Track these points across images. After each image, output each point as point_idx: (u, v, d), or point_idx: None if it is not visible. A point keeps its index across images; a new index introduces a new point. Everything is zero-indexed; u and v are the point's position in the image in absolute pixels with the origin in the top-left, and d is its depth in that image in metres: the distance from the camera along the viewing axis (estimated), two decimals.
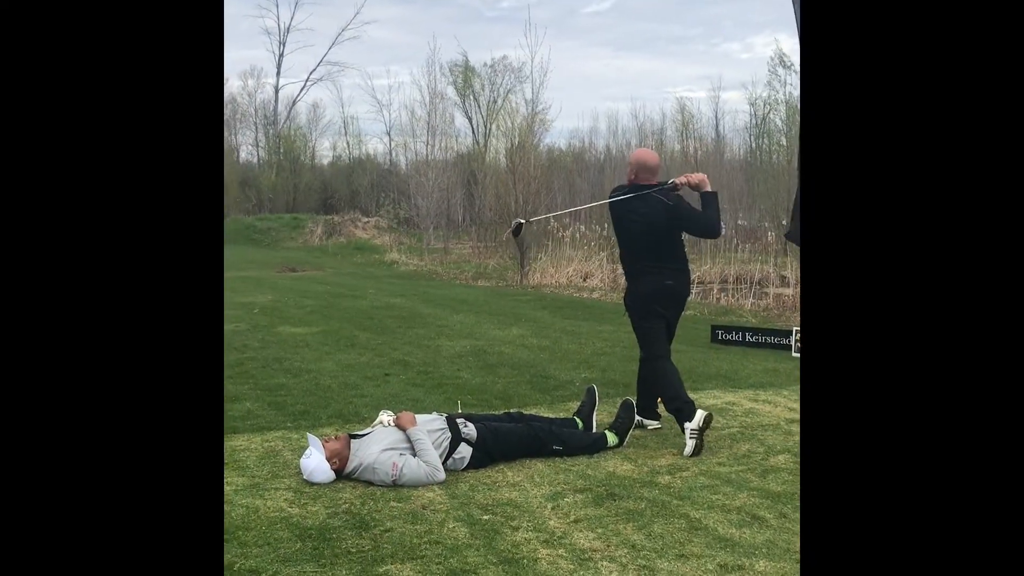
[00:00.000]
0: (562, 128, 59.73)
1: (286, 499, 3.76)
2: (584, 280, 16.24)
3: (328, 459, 3.98)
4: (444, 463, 4.12)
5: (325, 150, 41.87)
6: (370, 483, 3.95)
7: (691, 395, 5.98)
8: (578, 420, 4.77)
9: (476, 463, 4.24)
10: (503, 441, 4.35)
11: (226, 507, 3.63)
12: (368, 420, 5.17)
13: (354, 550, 3.23)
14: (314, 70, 42.12)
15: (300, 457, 4.10)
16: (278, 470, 4.16)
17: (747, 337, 8.88)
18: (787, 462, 4.52)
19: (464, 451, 4.22)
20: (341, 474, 4.00)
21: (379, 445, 4.03)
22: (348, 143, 41.31)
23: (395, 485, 3.93)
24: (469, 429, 4.28)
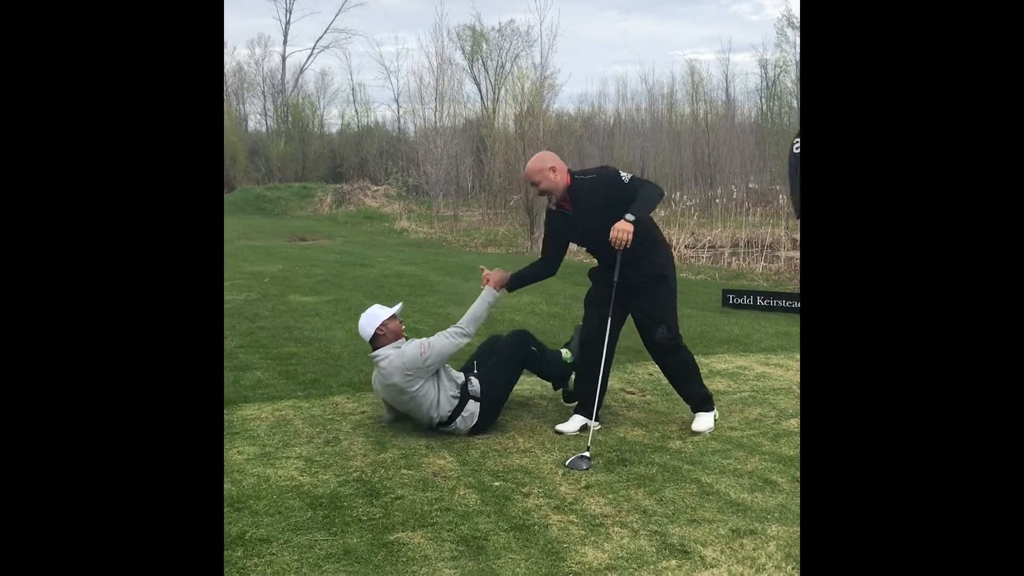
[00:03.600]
0: (571, 93, 59.03)
1: (297, 468, 3.77)
2: None
3: (383, 325, 4.24)
4: (453, 422, 4.19)
5: (333, 118, 41.69)
6: (398, 385, 4.14)
7: (703, 360, 5.91)
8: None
9: (484, 420, 4.29)
10: (496, 377, 4.43)
11: (237, 476, 3.64)
12: None
13: (365, 518, 3.23)
14: (321, 37, 42.10)
15: (309, 425, 4.10)
16: (289, 439, 4.17)
17: (758, 301, 8.82)
18: (798, 426, 4.50)
19: (472, 407, 4.26)
20: (376, 346, 4.26)
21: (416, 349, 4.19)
22: (356, 111, 41.12)
23: (426, 366, 4.12)
24: (474, 385, 4.32)
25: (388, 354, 4.19)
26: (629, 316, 4.44)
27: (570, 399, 4.64)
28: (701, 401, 4.44)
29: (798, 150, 7.58)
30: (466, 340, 4.33)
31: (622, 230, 3.98)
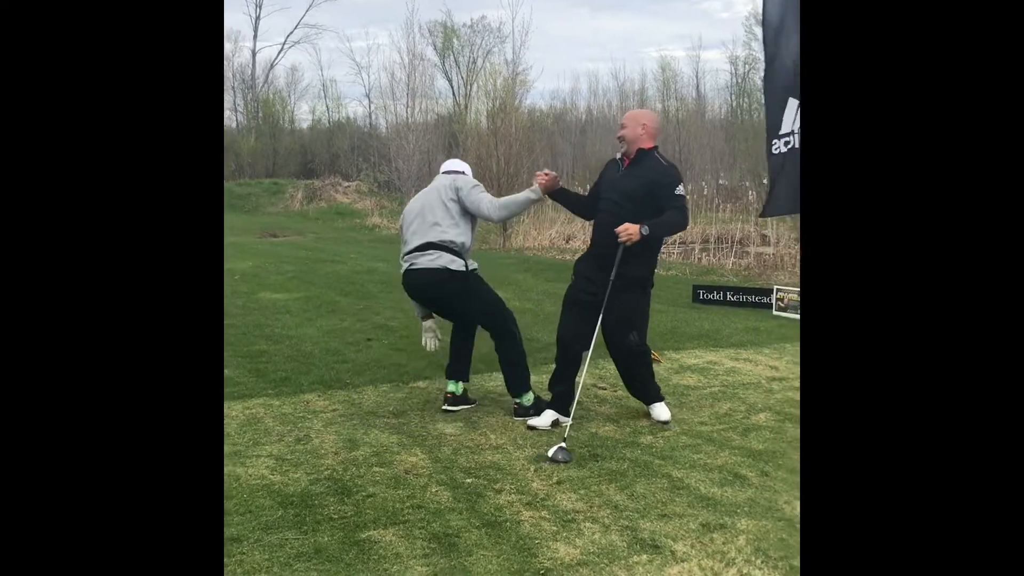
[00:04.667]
0: (543, 89, 59.28)
1: (267, 466, 3.74)
2: (567, 242, 16.21)
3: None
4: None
5: (304, 114, 41.38)
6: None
7: (673, 355, 5.99)
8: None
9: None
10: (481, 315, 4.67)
11: None
12: (351, 386, 5.16)
13: (336, 516, 3.22)
14: (291, 32, 41.70)
15: (279, 423, 4.07)
16: (259, 437, 4.14)
17: (728, 296, 8.91)
18: (768, 420, 4.55)
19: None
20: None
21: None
22: (327, 106, 40.83)
23: (470, 190, 4.52)
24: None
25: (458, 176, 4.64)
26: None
27: (520, 414, 4.57)
28: (655, 393, 4.56)
29: (777, 151, 7.61)
30: (492, 212, 4.47)
31: (631, 232, 4.14)
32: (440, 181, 4.62)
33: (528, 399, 4.55)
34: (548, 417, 4.41)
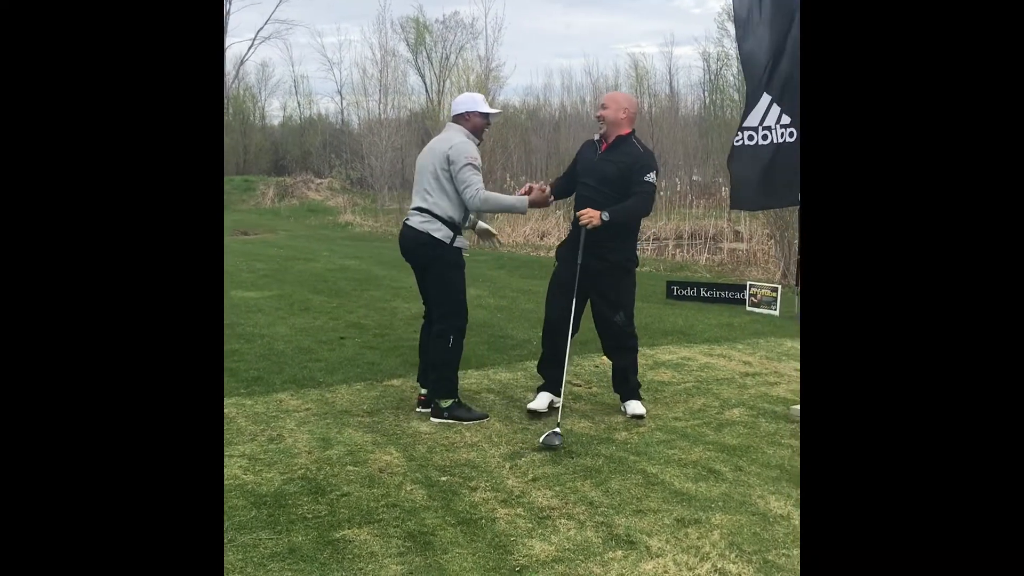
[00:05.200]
0: (516, 85, 59.31)
1: (240, 466, 3.71)
2: (541, 239, 16.21)
3: (475, 113, 4.53)
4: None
5: (275, 110, 41.22)
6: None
7: (647, 351, 6.02)
8: None
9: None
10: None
11: None
12: (324, 385, 5.13)
13: (310, 516, 3.20)
14: (262, 28, 41.33)
15: (252, 423, 4.04)
16: (232, 437, 4.10)
17: (702, 292, 8.95)
18: (741, 415, 4.58)
19: None
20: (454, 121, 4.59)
21: None
22: (299, 103, 40.55)
23: (462, 167, 4.37)
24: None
25: (457, 139, 4.46)
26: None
27: (424, 405, 4.60)
28: (634, 390, 4.63)
29: (738, 142, 7.66)
30: (472, 202, 4.39)
31: (591, 216, 4.28)
32: (442, 141, 4.51)
33: (446, 403, 4.45)
34: (544, 399, 4.56)
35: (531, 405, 4.57)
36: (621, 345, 4.55)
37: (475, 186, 4.38)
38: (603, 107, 4.49)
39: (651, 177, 4.36)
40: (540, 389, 4.65)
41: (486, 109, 4.57)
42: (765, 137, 7.63)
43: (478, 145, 4.52)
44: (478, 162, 4.42)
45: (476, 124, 4.54)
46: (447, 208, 4.41)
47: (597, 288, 4.46)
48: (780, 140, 7.59)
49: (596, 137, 4.54)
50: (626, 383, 4.61)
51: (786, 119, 7.74)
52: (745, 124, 6.89)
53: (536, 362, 4.85)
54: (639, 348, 4.68)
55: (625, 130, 4.45)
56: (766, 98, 7.00)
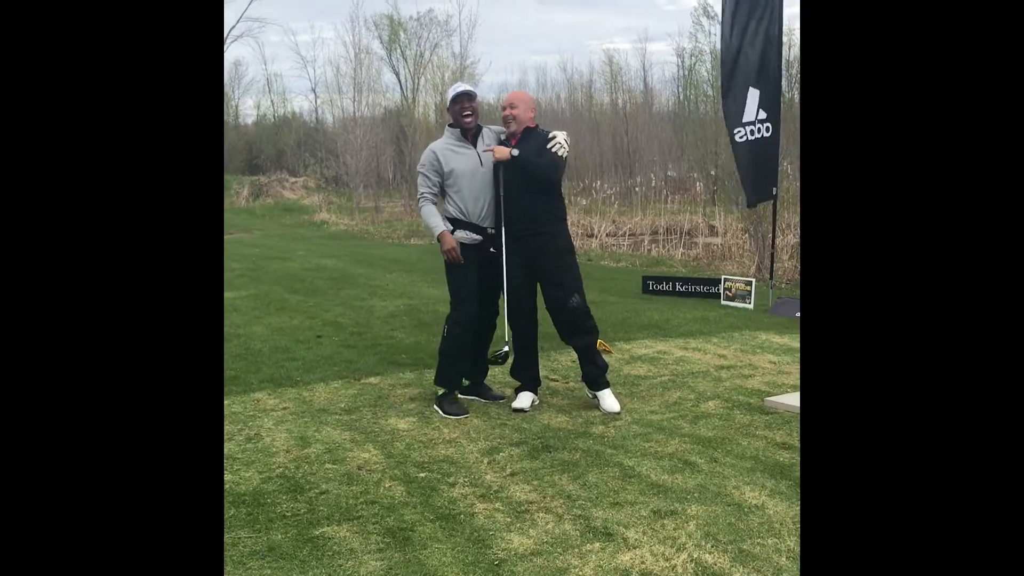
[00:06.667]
0: (491, 82, 59.25)
1: None
2: None
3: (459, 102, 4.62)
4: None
5: (249, 109, 40.93)
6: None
7: (624, 346, 6.05)
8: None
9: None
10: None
11: None
12: (302, 383, 5.12)
13: (289, 514, 3.20)
14: (234, 26, 40.67)
15: (230, 423, 4.03)
16: None
17: (677, 287, 9.01)
18: (717, 408, 4.62)
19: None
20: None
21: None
22: (272, 101, 40.34)
23: (420, 172, 4.64)
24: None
25: (434, 143, 4.68)
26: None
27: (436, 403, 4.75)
28: (604, 371, 4.66)
29: (741, 139, 7.69)
30: (420, 206, 4.67)
31: (500, 151, 4.45)
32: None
33: (439, 391, 4.68)
34: (527, 399, 4.65)
35: (515, 404, 4.62)
36: (580, 326, 4.55)
37: (419, 193, 4.65)
38: (512, 107, 4.59)
39: (557, 148, 4.50)
40: (520, 390, 4.71)
41: (449, 96, 4.74)
42: (756, 131, 7.69)
43: (465, 131, 4.61)
44: (427, 168, 4.59)
45: (452, 114, 4.65)
46: (444, 206, 4.65)
47: (546, 276, 4.54)
48: (759, 135, 7.67)
49: (502, 136, 4.68)
50: (594, 364, 4.62)
51: (763, 114, 7.83)
52: (744, 119, 6.93)
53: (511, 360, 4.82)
54: (614, 342, 4.71)
55: (532, 124, 4.62)
56: (754, 92, 7.05)
